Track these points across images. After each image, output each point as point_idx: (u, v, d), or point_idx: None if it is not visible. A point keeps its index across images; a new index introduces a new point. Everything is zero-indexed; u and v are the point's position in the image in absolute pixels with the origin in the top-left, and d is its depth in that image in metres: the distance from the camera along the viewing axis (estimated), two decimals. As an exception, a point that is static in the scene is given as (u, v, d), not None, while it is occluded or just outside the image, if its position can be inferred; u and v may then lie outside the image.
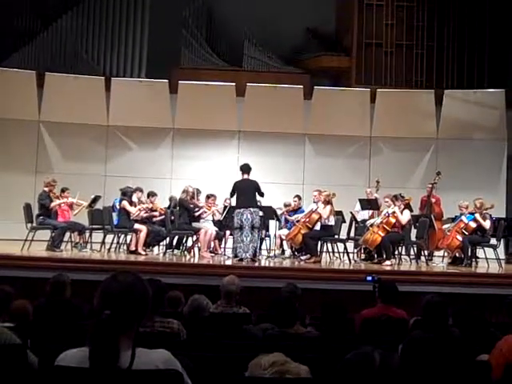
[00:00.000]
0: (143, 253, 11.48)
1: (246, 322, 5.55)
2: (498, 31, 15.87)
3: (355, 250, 12.68)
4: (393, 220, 11.22)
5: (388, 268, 10.75)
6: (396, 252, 11.65)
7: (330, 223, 11.66)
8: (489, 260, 11.50)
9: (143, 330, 4.13)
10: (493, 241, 11.57)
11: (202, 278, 9.04)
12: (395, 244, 11.51)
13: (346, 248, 12.08)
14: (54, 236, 11.38)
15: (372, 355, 2.69)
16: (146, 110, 14.97)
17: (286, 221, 12.82)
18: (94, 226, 12.26)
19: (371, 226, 11.58)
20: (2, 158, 14.78)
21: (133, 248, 11.62)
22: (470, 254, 11.35)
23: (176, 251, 12.28)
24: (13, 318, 4.92)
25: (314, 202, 11.99)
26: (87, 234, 12.32)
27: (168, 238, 12.28)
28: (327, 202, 11.58)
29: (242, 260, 10.74)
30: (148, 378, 2.45)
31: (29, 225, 11.60)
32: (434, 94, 15.08)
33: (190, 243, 12.44)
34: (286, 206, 13.05)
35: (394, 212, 11.25)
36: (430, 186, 12.76)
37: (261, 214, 11.34)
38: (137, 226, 11.60)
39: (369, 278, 7.60)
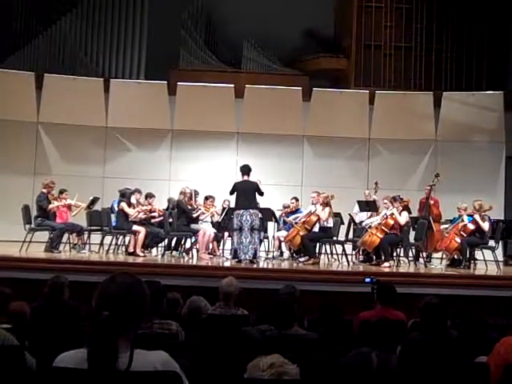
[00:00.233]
0: (142, 254, 11.46)
1: (244, 324, 5.55)
2: (497, 33, 15.90)
3: (354, 252, 12.68)
4: (391, 222, 11.23)
5: (386, 270, 10.75)
6: (394, 254, 11.64)
7: (328, 225, 11.65)
8: (487, 262, 11.49)
9: (141, 331, 4.13)
10: (491, 243, 11.56)
11: (200, 280, 9.03)
12: (394, 246, 11.50)
13: (344, 250, 12.07)
14: (53, 237, 11.37)
15: (370, 357, 2.70)
16: (145, 111, 14.97)
17: (285, 222, 12.82)
18: (92, 228, 12.25)
19: (369, 227, 11.59)
20: (0, 160, 14.77)
21: (131, 249, 11.61)
22: (468, 255, 11.35)
23: (174, 253, 12.28)
24: (10, 320, 4.91)
25: (313, 204, 12.00)
26: (86, 236, 12.32)
27: (166, 240, 12.27)
28: (326, 204, 11.58)
29: (240, 261, 10.74)
30: (146, 380, 2.45)
31: (27, 226, 11.59)
32: (432, 96, 15.09)
33: (188, 245, 12.44)
34: (284, 207, 13.06)
35: (392, 214, 11.26)
36: (429, 187, 12.77)
37: (260, 215, 11.34)
38: (135, 227, 11.59)
39: (367, 280, 7.61)
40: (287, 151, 15.42)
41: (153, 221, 12.19)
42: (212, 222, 12.44)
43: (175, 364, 2.54)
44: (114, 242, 12.01)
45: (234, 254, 11.13)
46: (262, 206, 11.79)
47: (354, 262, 12.18)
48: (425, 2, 16.03)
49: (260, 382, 2.70)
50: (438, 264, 12.19)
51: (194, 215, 12.01)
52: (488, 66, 15.86)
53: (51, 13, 16.14)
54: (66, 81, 14.71)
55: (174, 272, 9.54)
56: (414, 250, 12.11)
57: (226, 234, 12.53)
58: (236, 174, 13.47)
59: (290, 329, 4.94)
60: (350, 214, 12.90)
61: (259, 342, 4.83)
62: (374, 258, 11.66)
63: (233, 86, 15.01)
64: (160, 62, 15.68)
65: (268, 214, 12.16)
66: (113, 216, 12.03)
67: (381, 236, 11.14)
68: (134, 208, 11.79)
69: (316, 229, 11.61)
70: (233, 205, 11.71)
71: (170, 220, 11.92)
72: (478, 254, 11.79)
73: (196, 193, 12.36)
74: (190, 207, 11.99)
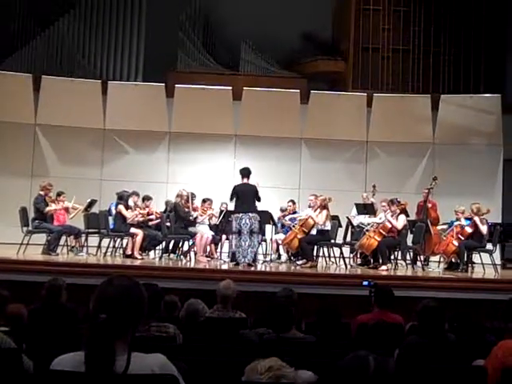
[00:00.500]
0: (139, 257, 11.46)
1: (242, 327, 5.54)
2: (494, 36, 15.93)
3: (351, 255, 12.68)
4: (389, 225, 11.23)
5: (384, 273, 10.75)
6: (392, 257, 11.65)
7: (326, 228, 11.65)
8: (485, 265, 11.50)
9: (139, 334, 4.12)
10: (489, 246, 11.57)
11: (198, 283, 9.03)
12: (391, 249, 11.51)
13: (342, 253, 12.08)
14: (50, 240, 11.36)
15: (367, 360, 2.69)
16: (143, 113, 14.95)
17: (283, 225, 12.82)
18: (90, 230, 12.25)
19: (367, 230, 11.60)
20: (-2, 162, 14.77)
21: (129, 252, 11.60)
22: (466, 259, 11.36)
23: (172, 255, 12.27)
24: (8, 322, 4.90)
25: (310, 207, 12.00)
26: (83, 238, 12.31)
27: (164, 243, 12.26)
28: (323, 207, 11.58)
29: (238, 264, 10.74)
30: (144, 383, 2.44)
31: (24, 228, 11.58)
32: (430, 98, 15.09)
33: (186, 247, 12.43)
34: (282, 210, 13.05)
35: (389, 220, 11.29)
36: (427, 190, 12.77)
37: (258, 218, 11.33)
38: (133, 230, 11.57)
39: (365, 283, 7.60)
40: (285, 154, 15.41)
41: (150, 223, 12.18)
42: (210, 225, 12.43)
43: (173, 367, 2.54)
44: (111, 245, 12.00)
45: (232, 256, 11.13)
46: (259, 208, 11.78)
47: (351, 265, 12.17)
48: (423, 4, 16.06)
49: (258, 386, 2.69)
50: (436, 267, 12.19)
51: (191, 218, 12.00)
52: (486, 69, 15.88)
53: (49, 14, 16.13)
54: (64, 83, 14.69)
55: (171, 275, 9.55)
56: (411, 253, 12.12)
57: (224, 236, 12.53)
58: (234, 176, 13.47)
59: (287, 332, 4.93)
60: (347, 217, 12.89)
61: (257, 345, 4.82)
62: (372, 261, 11.66)
63: (231, 88, 15.00)
64: (158, 64, 15.67)
65: (266, 217, 12.16)
66: (110, 218, 12.02)
67: (378, 239, 11.15)
68: (132, 211, 11.79)
69: (314, 232, 11.61)
70: (230, 207, 11.71)
71: (168, 223, 11.92)
72: (476, 258, 11.80)
73: (193, 195, 12.35)
74: (187, 210, 11.99)
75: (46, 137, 15.24)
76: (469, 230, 11.43)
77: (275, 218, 12.68)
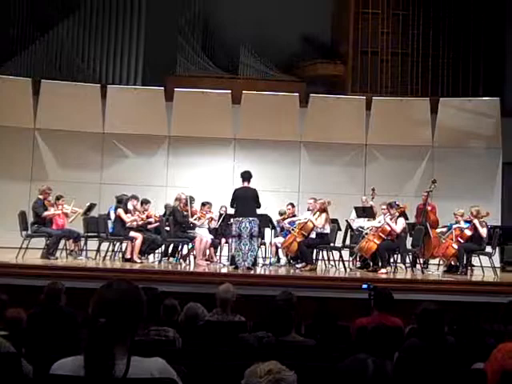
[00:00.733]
0: (138, 261, 11.44)
1: (241, 330, 5.54)
2: (493, 39, 15.95)
3: (351, 258, 12.68)
4: (388, 228, 11.23)
5: (383, 276, 10.74)
6: (391, 260, 11.64)
7: (325, 231, 11.65)
8: (484, 268, 11.50)
9: (138, 338, 4.12)
10: (488, 249, 11.57)
11: (197, 286, 9.02)
12: (391, 252, 11.50)
13: (341, 256, 12.07)
14: (49, 244, 11.35)
15: (366, 363, 2.70)
16: (142, 117, 14.96)
17: (282, 229, 12.81)
18: (89, 234, 12.22)
19: (366, 234, 11.60)
20: (-3, 166, 14.77)
21: (128, 256, 11.59)
22: (465, 262, 11.35)
23: (171, 259, 12.27)
24: (7, 326, 4.90)
25: (309, 210, 12.00)
26: (82, 242, 12.30)
27: (163, 246, 12.25)
28: (322, 210, 11.57)
29: (237, 268, 10.73)
30: (143, 387, 2.44)
31: (24, 232, 11.58)
32: (429, 102, 15.11)
33: (185, 251, 12.42)
34: (280, 214, 13.03)
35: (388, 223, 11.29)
36: (426, 193, 12.78)
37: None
38: (132, 233, 11.57)
39: (364, 286, 7.59)
40: (284, 157, 15.42)
41: (149, 227, 12.17)
42: (209, 229, 12.42)
43: (172, 371, 2.54)
44: (110, 249, 11.99)
45: (232, 260, 11.12)
46: (258, 212, 11.77)
47: (351, 269, 12.18)
48: (421, 8, 16.08)
49: (257, 389, 2.69)
50: (435, 270, 12.19)
51: (190, 221, 12.00)
52: (484, 72, 15.90)
53: (48, 19, 16.14)
54: (63, 87, 14.70)
55: (171, 278, 9.53)
56: (411, 256, 12.12)
57: (223, 240, 12.53)
58: (233, 180, 13.49)
59: (287, 335, 4.93)
60: (347, 220, 12.90)
61: (256, 349, 4.82)
62: (371, 264, 11.66)
63: (230, 92, 15.01)
64: (157, 67, 15.69)
65: (265, 221, 12.16)
66: (110, 222, 12.02)
67: (378, 242, 11.14)
68: (131, 214, 11.78)
69: (313, 235, 11.61)
70: (230, 211, 11.70)
71: (168, 228, 11.91)
72: (475, 260, 11.79)
73: (191, 199, 12.34)
74: (185, 213, 11.99)
75: (46, 141, 15.25)
76: (468, 232, 11.43)
77: (274, 222, 12.68)
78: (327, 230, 11.69)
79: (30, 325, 5.33)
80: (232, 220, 11.24)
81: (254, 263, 10.96)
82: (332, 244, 12.01)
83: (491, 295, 9.30)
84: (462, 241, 11.43)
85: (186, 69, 16.28)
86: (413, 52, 16.06)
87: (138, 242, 11.50)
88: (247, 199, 10.86)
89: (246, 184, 11.02)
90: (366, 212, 12.61)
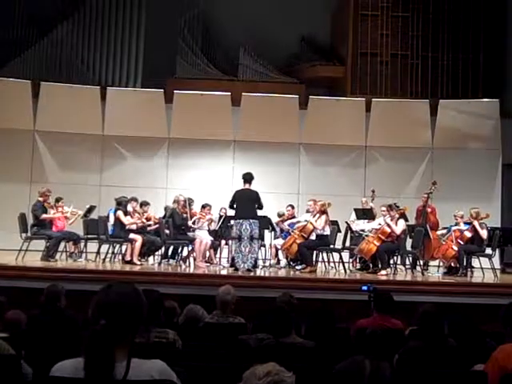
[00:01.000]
0: (138, 263, 11.45)
1: (241, 332, 5.53)
2: (493, 41, 15.94)
3: (351, 260, 12.68)
4: (388, 229, 11.23)
5: (383, 278, 10.75)
6: (391, 262, 11.64)
7: (325, 233, 11.65)
8: (484, 270, 11.50)
9: (138, 340, 4.11)
10: (488, 250, 11.57)
11: (197, 288, 9.02)
12: (390, 254, 11.50)
13: (341, 258, 12.07)
14: (49, 246, 11.36)
15: (363, 364, 2.69)
16: (142, 119, 14.96)
17: (282, 230, 12.81)
18: (89, 236, 12.23)
19: (366, 235, 11.60)
20: (-3, 168, 14.76)
21: (128, 258, 11.58)
22: (465, 263, 11.35)
23: (171, 261, 12.26)
24: (6, 328, 4.89)
25: (309, 212, 12.00)
26: (82, 244, 12.30)
27: (163, 248, 12.25)
28: (322, 212, 11.57)
29: (237, 270, 10.73)
30: (143, 389, 2.44)
31: (23, 235, 11.58)
32: (428, 103, 15.12)
33: (185, 253, 12.42)
34: (279, 215, 13.02)
35: (388, 224, 11.28)
36: (426, 195, 12.77)
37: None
38: (132, 235, 11.56)
39: (364, 288, 7.59)
40: (284, 159, 15.42)
41: (148, 229, 12.18)
42: (209, 230, 12.42)
43: (172, 373, 2.54)
44: (110, 251, 12.00)
45: (232, 262, 11.12)
46: (258, 213, 11.77)
47: (350, 270, 12.17)
48: (421, 10, 16.07)
49: (257, 391, 2.69)
50: (435, 272, 12.18)
51: (189, 223, 12.01)
52: (484, 74, 15.89)
53: (48, 21, 16.12)
54: (63, 89, 14.70)
55: (170, 280, 9.54)
56: (411, 258, 12.12)
57: (223, 242, 12.53)
58: (233, 181, 13.49)
59: (287, 337, 4.92)
60: (346, 222, 12.89)
61: (256, 351, 4.81)
62: (371, 265, 11.66)
63: (229, 94, 15.01)
64: (157, 69, 15.68)
65: (264, 222, 12.15)
66: (109, 224, 12.02)
67: (378, 244, 11.15)
68: (131, 216, 11.78)
69: (313, 237, 11.61)
70: (230, 213, 11.70)
71: (167, 231, 11.91)
72: (475, 262, 11.79)
73: (190, 201, 12.34)
74: (184, 215, 11.99)
75: (45, 143, 15.24)
76: (468, 234, 11.44)
77: (274, 223, 12.67)
78: (327, 231, 11.69)
79: (30, 327, 5.32)
80: (232, 222, 11.24)
81: (255, 265, 10.96)
82: (332, 246, 12.01)
83: (491, 297, 9.29)
84: (461, 242, 11.43)
85: (185, 71, 16.26)
86: (412, 54, 16.05)
87: (138, 244, 11.50)
88: (247, 201, 10.86)
89: (247, 186, 11.01)
90: (365, 214, 12.61)
